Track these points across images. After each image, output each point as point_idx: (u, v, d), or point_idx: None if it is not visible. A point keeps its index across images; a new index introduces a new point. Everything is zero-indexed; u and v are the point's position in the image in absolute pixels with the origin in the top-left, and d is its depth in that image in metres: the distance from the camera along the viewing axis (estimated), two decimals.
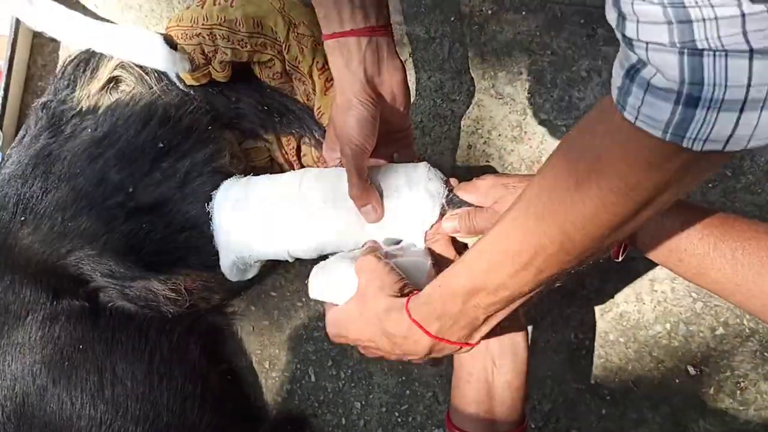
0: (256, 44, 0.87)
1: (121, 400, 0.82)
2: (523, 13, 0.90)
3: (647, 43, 0.37)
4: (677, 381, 0.85)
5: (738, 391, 0.83)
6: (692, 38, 0.35)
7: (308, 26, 0.88)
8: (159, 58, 0.87)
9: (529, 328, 0.88)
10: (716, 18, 0.34)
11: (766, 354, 0.82)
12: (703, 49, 0.35)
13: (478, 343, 0.62)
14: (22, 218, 0.82)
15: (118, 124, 0.83)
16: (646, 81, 0.39)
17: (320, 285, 0.70)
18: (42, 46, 1.08)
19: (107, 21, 1.02)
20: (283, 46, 0.88)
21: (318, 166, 0.90)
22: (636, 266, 0.86)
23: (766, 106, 0.36)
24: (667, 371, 0.85)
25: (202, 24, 0.87)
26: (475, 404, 0.66)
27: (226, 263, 0.78)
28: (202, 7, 0.88)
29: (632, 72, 0.40)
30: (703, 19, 0.34)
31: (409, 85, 0.75)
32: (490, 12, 0.91)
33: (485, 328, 0.60)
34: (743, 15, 0.34)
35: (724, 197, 0.83)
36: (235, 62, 0.88)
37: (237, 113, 0.91)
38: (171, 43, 0.88)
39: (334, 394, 0.96)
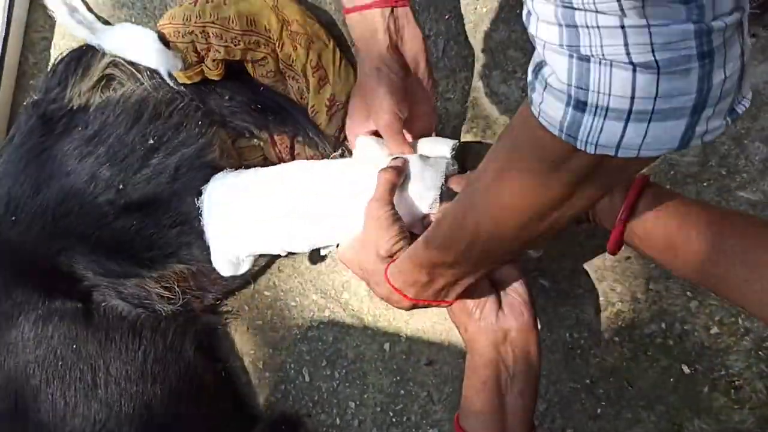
0: (249, 42, 0.87)
1: (115, 400, 0.82)
2: (518, 11, 0.90)
3: (545, 42, 0.37)
4: (672, 380, 0.85)
5: (733, 390, 0.83)
6: (578, 44, 0.35)
7: (301, 24, 0.88)
8: (151, 56, 0.87)
9: None
10: (599, 27, 0.34)
11: (760, 353, 0.82)
12: (589, 56, 0.35)
13: (455, 300, 0.66)
14: (13, 218, 0.82)
15: (108, 122, 0.83)
16: (545, 79, 0.39)
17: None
18: (34, 44, 1.07)
19: (100, 18, 1.02)
20: (277, 44, 0.88)
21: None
22: (631, 265, 0.86)
23: (654, 119, 0.35)
24: (662, 370, 0.85)
25: (195, 22, 0.86)
26: (488, 413, 0.66)
27: (217, 258, 0.77)
28: (195, 5, 0.87)
29: (536, 69, 0.40)
30: (588, 26, 0.34)
31: None
32: (484, 10, 0.90)
33: (458, 288, 0.64)
34: (623, 27, 0.33)
35: (719, 196, 0.83)
36: (228, 60, 0.88)
37: (230, 111, 0.91)
38: (164, 40, 0.88)
39: (328, 394, 0.96)
